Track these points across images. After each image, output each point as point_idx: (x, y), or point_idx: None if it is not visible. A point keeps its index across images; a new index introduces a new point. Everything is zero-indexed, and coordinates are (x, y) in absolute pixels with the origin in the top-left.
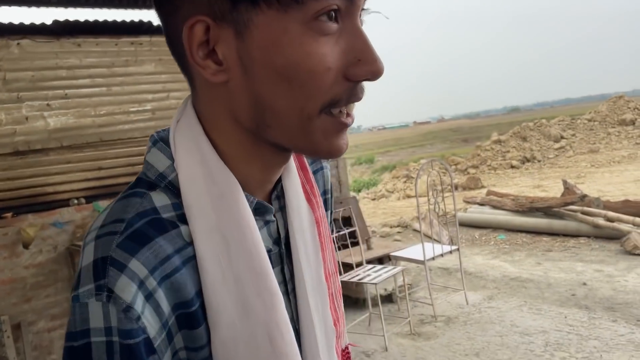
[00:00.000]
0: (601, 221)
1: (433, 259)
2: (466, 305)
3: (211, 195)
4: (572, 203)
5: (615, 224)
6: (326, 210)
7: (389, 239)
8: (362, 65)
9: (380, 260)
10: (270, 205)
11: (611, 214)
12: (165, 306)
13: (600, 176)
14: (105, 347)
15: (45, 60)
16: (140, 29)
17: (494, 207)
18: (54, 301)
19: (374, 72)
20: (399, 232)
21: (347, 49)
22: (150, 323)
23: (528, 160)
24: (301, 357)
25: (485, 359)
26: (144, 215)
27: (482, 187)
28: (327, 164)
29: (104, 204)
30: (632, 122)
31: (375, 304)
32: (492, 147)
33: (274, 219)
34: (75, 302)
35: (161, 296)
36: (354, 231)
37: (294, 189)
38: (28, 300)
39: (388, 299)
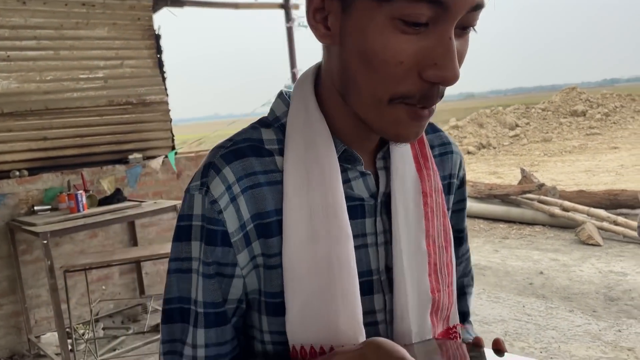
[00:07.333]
0: (557, 210)
1: None
2: None
3: (304, 135)
4: (529, 191)
5: (570, 214)
6: (449, 194)
7: None
8: (437, 69)
9: None
10: (359, 155)
11: (567, 203)
12: (245, 212)
13: (552, 165)
14: (200, 229)
15: None
16: None
17: None
18: None
19: (446, 78)
20: None
21: (428, 49)
22: (231, 220)
23: (484, 147)
24: (389, 306)
25: None
26: (248, 141)
27: None
28: (458, 151)
29: (48, 177)
30: (583, 114)
31: None
32: (450, 132)
33: (369, 172)
34: (187, 193)
35: (242, 202)
36: None
37: (402, 155)
38: None
39: None
